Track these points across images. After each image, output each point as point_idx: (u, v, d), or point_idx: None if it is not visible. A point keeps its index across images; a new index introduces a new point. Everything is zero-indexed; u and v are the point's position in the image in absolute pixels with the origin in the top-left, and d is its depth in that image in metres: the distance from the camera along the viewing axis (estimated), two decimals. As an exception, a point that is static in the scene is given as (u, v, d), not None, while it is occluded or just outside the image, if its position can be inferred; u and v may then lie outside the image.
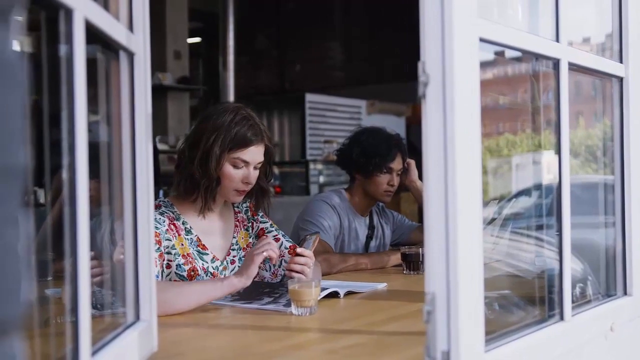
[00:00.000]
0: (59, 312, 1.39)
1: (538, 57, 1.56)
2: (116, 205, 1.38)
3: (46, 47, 1.04)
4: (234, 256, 2.33)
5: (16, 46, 0.62)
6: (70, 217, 0.99)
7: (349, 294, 2.19)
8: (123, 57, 1.33)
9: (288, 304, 1.91)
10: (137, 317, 1.36)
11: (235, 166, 2.19)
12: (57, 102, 1.00)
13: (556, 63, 1.51)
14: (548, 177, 1.84)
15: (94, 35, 1.09)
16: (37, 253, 1.17)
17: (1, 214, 0.55)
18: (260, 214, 2.42)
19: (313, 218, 2.91)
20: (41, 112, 1.00)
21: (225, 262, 2.29)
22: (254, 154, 2.21)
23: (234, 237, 2.35)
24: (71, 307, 1.00)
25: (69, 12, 0.98)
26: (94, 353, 1.08)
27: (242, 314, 1.92)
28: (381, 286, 2.35)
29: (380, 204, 3.19)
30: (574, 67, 1.56)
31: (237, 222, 2.38)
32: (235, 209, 2.40)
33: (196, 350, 1.61)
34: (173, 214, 2.22)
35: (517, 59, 1.68)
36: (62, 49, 1.00)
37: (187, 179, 2.21)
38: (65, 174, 1.00)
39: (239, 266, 2.29)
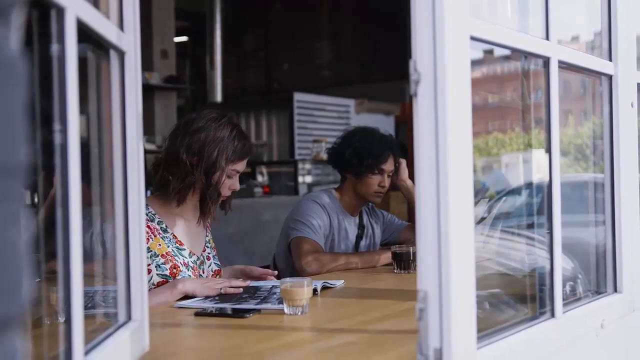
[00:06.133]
0: (47, 312, 1.38)
1: (528, 55, 1.56)
2: (106, 205, 1.37)
3: (37, 46, 1.03)
4: (208, 253, 2.42)
5: (17, 44, 0.62)
6: (62, 218, 0.98)
7: (324, 288, 2.23)
8: (113, 56, 1.32)
9: (280, 302, 1.91)
10: (129, 317, 1.35)
11: (230, 177, 2.28)
12: (48, 102, 0.99)
13: (546, 61, 1.51)
14: (537, 176, 1.85)
15: (84, 34, 1.09)
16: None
17: (4, 211, 0.55)
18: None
19: (303, 217, 2.91)
20: (32, 111, 1.00)
21: (202, 257, 2.37)
22: (245, 164, 2.33)
23: (207, 236, 2.45)
24: (64, 307, 0.99)
25: (60, 11, 0.98)
26: (87, 353, 1.08)
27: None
28: (339, 283, 2.36)
29: (370, 203, 3.19)
30: (563, 65, 1.57)
31: (208, 223, 2.46)
32: None
33: (188, 350, 1.60)
34: (147, 215, 2.23)
35: (506, 58, 1.68)
36: (54, 48, 0.99)
37: (187, 187, 2.25)
38: (56, 175, 1.00)
39: (214, 262, 2.42)
